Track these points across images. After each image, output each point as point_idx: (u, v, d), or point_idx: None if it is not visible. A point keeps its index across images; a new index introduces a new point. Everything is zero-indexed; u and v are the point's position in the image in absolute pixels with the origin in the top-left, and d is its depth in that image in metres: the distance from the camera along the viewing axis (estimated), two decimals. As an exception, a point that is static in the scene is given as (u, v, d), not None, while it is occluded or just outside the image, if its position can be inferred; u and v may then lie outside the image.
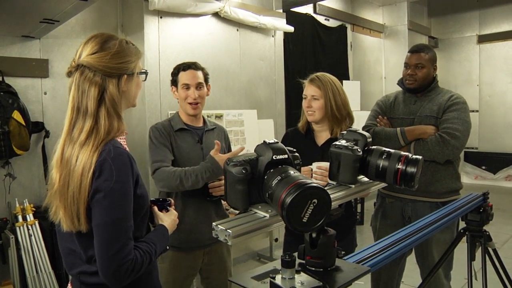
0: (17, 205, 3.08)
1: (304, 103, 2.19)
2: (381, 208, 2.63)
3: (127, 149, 1.34)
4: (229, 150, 2.42)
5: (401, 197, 2.48)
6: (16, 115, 3.01)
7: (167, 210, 1.49)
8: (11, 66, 3.16)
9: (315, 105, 2.14)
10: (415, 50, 2.51)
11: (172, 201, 1.55)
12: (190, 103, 2.19)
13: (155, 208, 1.46)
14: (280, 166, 0.94)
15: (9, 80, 3.11)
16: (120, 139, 1.33)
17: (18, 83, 3.19)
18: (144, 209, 1.33)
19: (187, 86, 2.19)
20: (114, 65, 1.27)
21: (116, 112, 1.28)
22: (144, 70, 1.42)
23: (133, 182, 1.24)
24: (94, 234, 1.19)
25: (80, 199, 1.19)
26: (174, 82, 2.24)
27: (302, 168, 1.56)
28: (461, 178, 2.56)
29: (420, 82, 2.47)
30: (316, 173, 1.88)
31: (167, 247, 1.41)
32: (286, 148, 0.98)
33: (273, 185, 0.89)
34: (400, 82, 2.60)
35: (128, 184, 1.22)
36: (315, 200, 0.84)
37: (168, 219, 1.45)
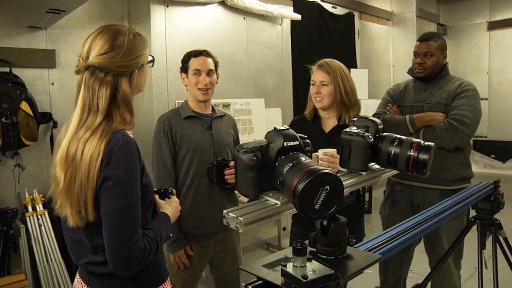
0: (27, 195, 3.10)
1: (312, 89, 2.16)
2: (390, 195, 2.62)
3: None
4: (237, 139, 2.42)
5: (411, 185, 2.47)
6: (24, 106, 3.01)
7: (169, 198, 1.49)
8: (18, 57, 3.15)
9: (324, 91, 2.11)
10: (423, 39, 2.50)
11: (174, 190, 1.53)
12: (200, 89, 2.18)
13: (156, 196, 1.45)
14: (291, 153, 0.93)
15: (16, 71, 3.11)
16: (127, 130, 1.32)
17: (25, 74, 3.19)
18: (149, 197, 1.33)
19: (198, 72, 2.18)
20: (126, 64, 1.25)
21: (128, 108, 1.27)
22: (151, 58, 1.39)
23: (140, 170, 1.24)
24: (103, 222, 1.19)
25: (88, 188, 1.18)
26: (185, 69, 2.24)
27: None
28: (471, 166, 2.53)
29: (429, 71, 2.46)
30: (322, 159, 1.85)
31: (170, 235, 1.41)
32: (297, 134, 0.97)
33: (284, 172, 0.88)
34: (410, 71, 2.58)
35: (136, 172, 1.22)
36: (328, 187, 0.82)
37: (169, 207, 1.44)
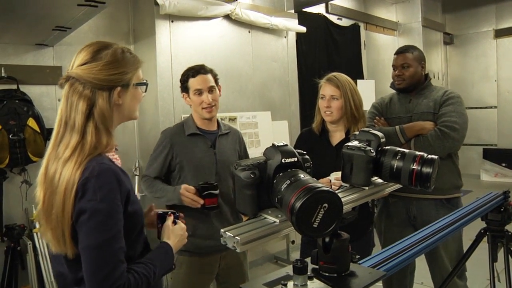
0: (34, 211, 3.10)
1: (322, 103, 2.17)
2: (385, 208, 2.61)
3: (119, 163, 1.27)
4: (245, 152, 2.41)
5: (405, 196, 2.44)
6: (31, 122, 3.05)
7: (175, 223, 1.40)
8: (25, 74, 3.19)
9: (334, 105, 2.13)
10: (399, 52, 2.56)
11: (182, 214, 1.47)
12: (204, 108, 2.17)
13: (168, 223, 1.38)
14: (289, 170, 0.91)
15: (24, 88, 3.15)
16: (111, 154, 1.24)
17: (32, 91, 3.22)
18: (138, 227, 1.24)
19: (199, 92, 2.16)
20: (104, 77, 1.18)
21: (105, 127, 1.18)
22: (144, 81, 1.31)
23: (122, 200, 1.15)
24: (82, 257, 1.11)
25: (64, 222, 1.11)
26: (185, 89, 2.22)
27: (321, 180, 1.53)
28: (461, 176, 2.51)
29: (408, 82, 2.50)
30: (334, 184, 1.84)
31: (173, 266, 1.32)
32: (295, 150, 0.95)
33: (282, 190, 0.86)
34: (392, 85, 2.63)
35: (114, 203, 1.12)
36: (326, 205, 0.81)
37: (172, 235, 1.36)
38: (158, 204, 1.85)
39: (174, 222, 1.40)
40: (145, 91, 1.34)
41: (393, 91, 2.65)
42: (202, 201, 2.01)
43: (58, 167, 1.13)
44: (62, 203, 1.10)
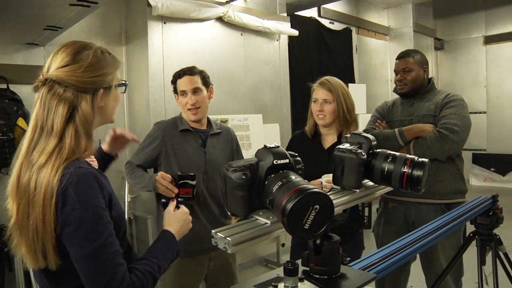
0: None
1: (315, 107, 2.18)
2: (384, 213, 2.60)
3: (96, 165, 1.21)
4: (238, 151, 2.41)
5: (404, 201, 2.44)
6: (21, 122, 3.02)
7: (178, 208, 1.38)
8: (15, 73, 3.16)
9: (327, 108, 2.14)
10: (401, 56, 2.56)
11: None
12: (189, 109, 2.18)
13: (170, 207, 1.35)
14: (281, 171, 0.91)
15: (14, 88, 3.12)
16: (89, 158, 1.19)
17: (23, 90, 3.19)
18: (120, 232, 1.18)
19: (184, 93, 2.18)
20: (88, 79, 1.13)
21: (85, 131, 1.13)
22: (123, 82, 1.28)
23: (106, 203, 1.09)
24: (78, 269, 1.05)
25: (46, 234, 1.03)
26: (175, 90, 2.24)
27: (312, 182, 1.53)
28: (465, 181, 2.50)
29: (410, 86, 2.50)
30: (325, 187, 1.85)
31: (179, 252, 1.29)
32: (287, 152, 0.96)
33: (273, 191, 0.86)
34: (395, 90, 2.63)
35: (99, 207, 1.06)
36: (317, 206, 0.81)
37: (174, 221, 1.32)
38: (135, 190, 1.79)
39: (178, 207, 1.37)
40: (124, 92, 1.30)
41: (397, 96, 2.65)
42: (176, 190, 1.95)
43: (33, 174, 1.06)
44: (42, 214, 1.03)
